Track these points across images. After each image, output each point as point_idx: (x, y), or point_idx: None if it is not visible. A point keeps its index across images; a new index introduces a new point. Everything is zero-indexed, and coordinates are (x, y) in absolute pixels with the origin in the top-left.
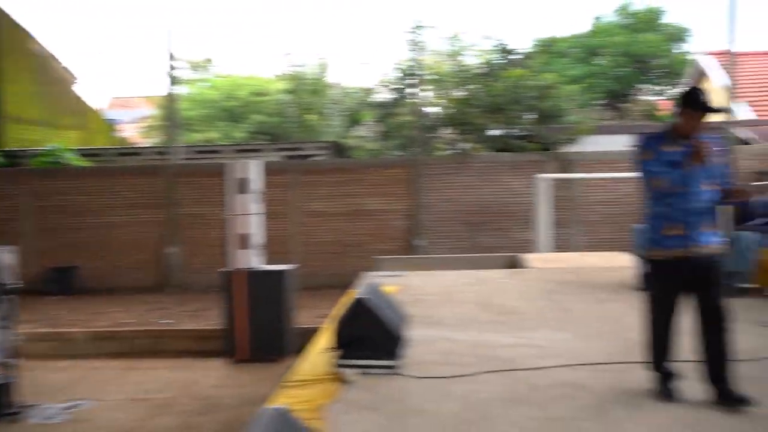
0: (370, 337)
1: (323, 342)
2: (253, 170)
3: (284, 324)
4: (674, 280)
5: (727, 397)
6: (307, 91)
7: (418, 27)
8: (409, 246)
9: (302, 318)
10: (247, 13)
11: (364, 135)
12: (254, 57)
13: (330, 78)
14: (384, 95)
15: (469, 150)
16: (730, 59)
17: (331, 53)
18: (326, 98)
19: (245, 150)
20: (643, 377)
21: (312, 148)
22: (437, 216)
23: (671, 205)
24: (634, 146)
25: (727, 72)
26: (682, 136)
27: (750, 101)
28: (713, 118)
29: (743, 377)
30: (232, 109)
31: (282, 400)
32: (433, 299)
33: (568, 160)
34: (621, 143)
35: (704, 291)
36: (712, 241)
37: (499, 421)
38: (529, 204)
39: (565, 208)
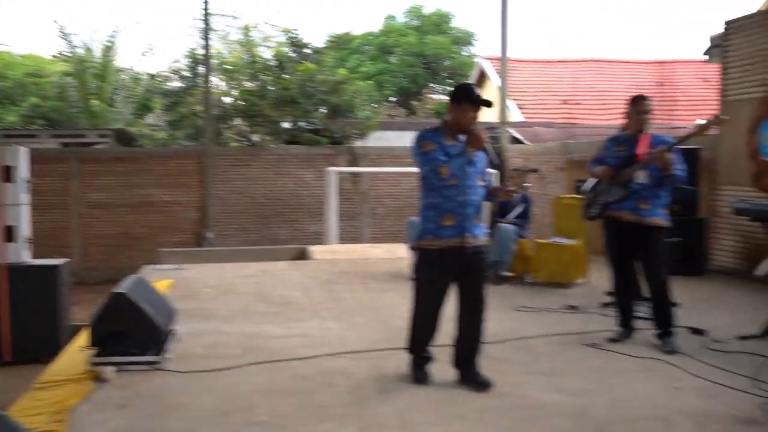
0: (131, 332)
1: (83, 340)
2: (21, 157)
3: (56, 322)
4: (445, 269)
5: (473, 380)
6: (91, 74)
7: (210, 14)
8: (200, 238)
9: (79, 315)
10: None
11: (153, 123)
12: (32, 34)
13: (117, 62)
14: (174, 83)
15: (260, 142)
16: (501, 64)
17: (118, 36)
18: (113, 83)
19: (18, 135)
20: (401, 362)
21: (95, 136)
22: (228, 208)
23: (447, 197)
24: (416, 139)
25: (500, 76)
26: (457, 130)
27: (521, 104)
28: (485, 113)
29: (490, 358)
30: (3, 90)
31: (26, 404)
32: (211, 292)
33: (357, 154)
34: (409, 139)
35: (469, 280)
36: (481, 233)
37: (258, 411)
38: (320, 196)
39: (355, 200)
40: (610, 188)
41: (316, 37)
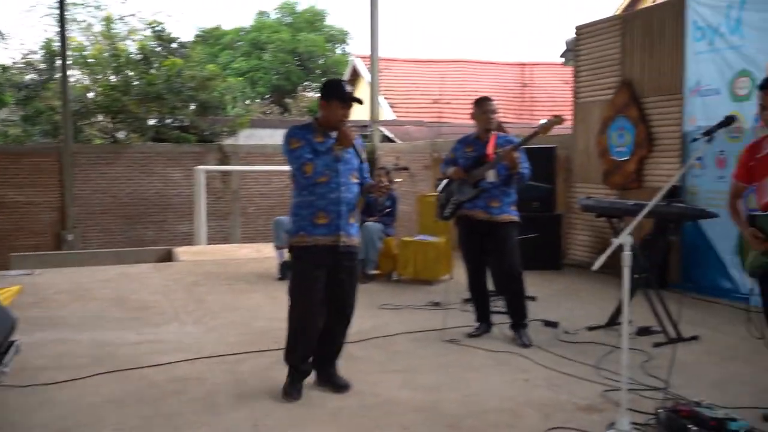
0: None
1: None
2: None
3: None
4: (318, 266)
5: (331, 381)
6: None
7: (68, 3)
8: (59, 241)
9: None
10: None
11: (6, 119)
12: None
13: None
14: (29, 76)
15: (125, 139)
16: (372, 62)
17: None
18: None
19: None
20: (258, 365)
21: None
22: (90, 209)
23: (320, 194)
24: (285, 136)
25: (371, 74)
26: (328, 128)
27: (394, 103)
28: (358, 110)
29: (350, 357)
30: None
31: None
32: (63, 298)
33: (227, 152)
34: (281, 137)
35: (338, 281)
36: (355, 233)
37: (105, 423)
38: (188, 196)
39: (226, 200)
40: (461, 188)
41: (184, 32)
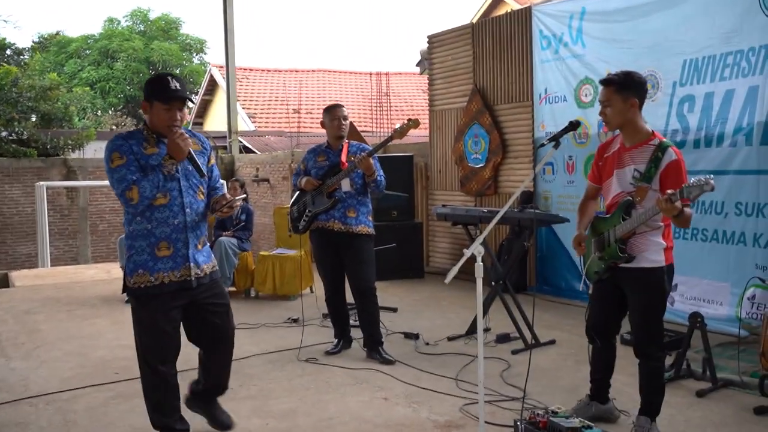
0: None
1: None
2: None
3: None
4: (167, 310)
5: (216, 420)
6: None
7: None
8: None
9: None
10: None
11: None
12: None
13: None
14: None
15: None
16: (227, 71)
17: None
18: None
19: None
20: (93, 401)
21: None
22: None
23: (160, 220)
24: (106, 150)
25: (227, 84)
26: (159, 134)
27: (253, 114)
28: (214, 120)
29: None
30: None
31: None
32: None
33: (73, 166)
34: None
35: (201, 317)
36: (206, 259)
37: None
38: (30, 214)
39: (73, 217)
40: (315, 199)
41: (24, 39)
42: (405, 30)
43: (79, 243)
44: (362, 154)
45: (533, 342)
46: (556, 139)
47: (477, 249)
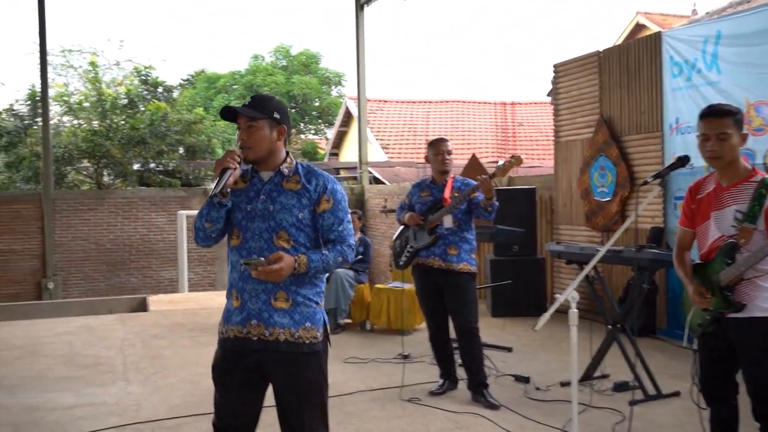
0: None
1: None
2: None
3: None
4: (228, 375)
5: None
6: None
7: (64, 52)
8: (40, 289)
9: None
10: None
11: None
12: None
13: None
14: (10, 122)
15: (108, 185)
16: (359, 103)
17: None
18: None
19: None
20: (196, 430)
21: None
22: (72, 255)
23: (233, 264)
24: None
25: (359, 115)
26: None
27: (385, 144)
28: (346, 151)
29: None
30: None
31: None
32: (9, 355)
33: None
34: None
35: (278, 398)
36: (285, 320)
37: None
38: (173, 241)
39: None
40: (417, 235)
41: (175, 76)
42: (539, 59)
43: (216, 269)
44: (481, 178)
45: (655, 393)
46: (662, 176)
47: (571, 294)
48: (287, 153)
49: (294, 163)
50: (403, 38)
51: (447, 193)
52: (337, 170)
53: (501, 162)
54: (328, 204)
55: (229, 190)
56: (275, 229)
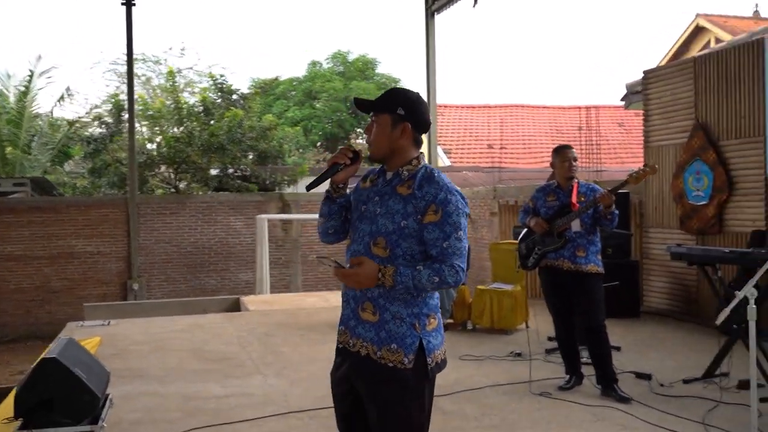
0: (63, 401)
1: (5, 410)
2: None
3: None
4: (340, 382)
5: None
6: (4, 120)
7: (136, 59)
8: (125, 290)
9: None
10: None
11: (74, 171)
12: None
13: (33, 108)
14: (95, 129)
15: (187, 189)
16: (430, 109)
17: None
18: (29, 130)
19: None
20: None
21: (9, 185)
22: (154, 258)
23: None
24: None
25: (432, 122)
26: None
27: (448, 149)
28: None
29: (442, 411)
30: None
31: None
32: (141, 349)
33: (288, 200)
34: None
35: (368, 412)
36: (371, 335)
37: None
38: (250, 244)
39: (286, 247)
40: (544, 238)
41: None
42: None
43: (291, 272)
44: (603, 191)
45: None
46: None
47: (750, 291)
48: (420, 155)
49: (420, 166)
50: (464, 44)
51: (574, 198)
52: None
53: (634, 170)
54: (435, 216)
55: (341, 185)
56: (374, 235)
